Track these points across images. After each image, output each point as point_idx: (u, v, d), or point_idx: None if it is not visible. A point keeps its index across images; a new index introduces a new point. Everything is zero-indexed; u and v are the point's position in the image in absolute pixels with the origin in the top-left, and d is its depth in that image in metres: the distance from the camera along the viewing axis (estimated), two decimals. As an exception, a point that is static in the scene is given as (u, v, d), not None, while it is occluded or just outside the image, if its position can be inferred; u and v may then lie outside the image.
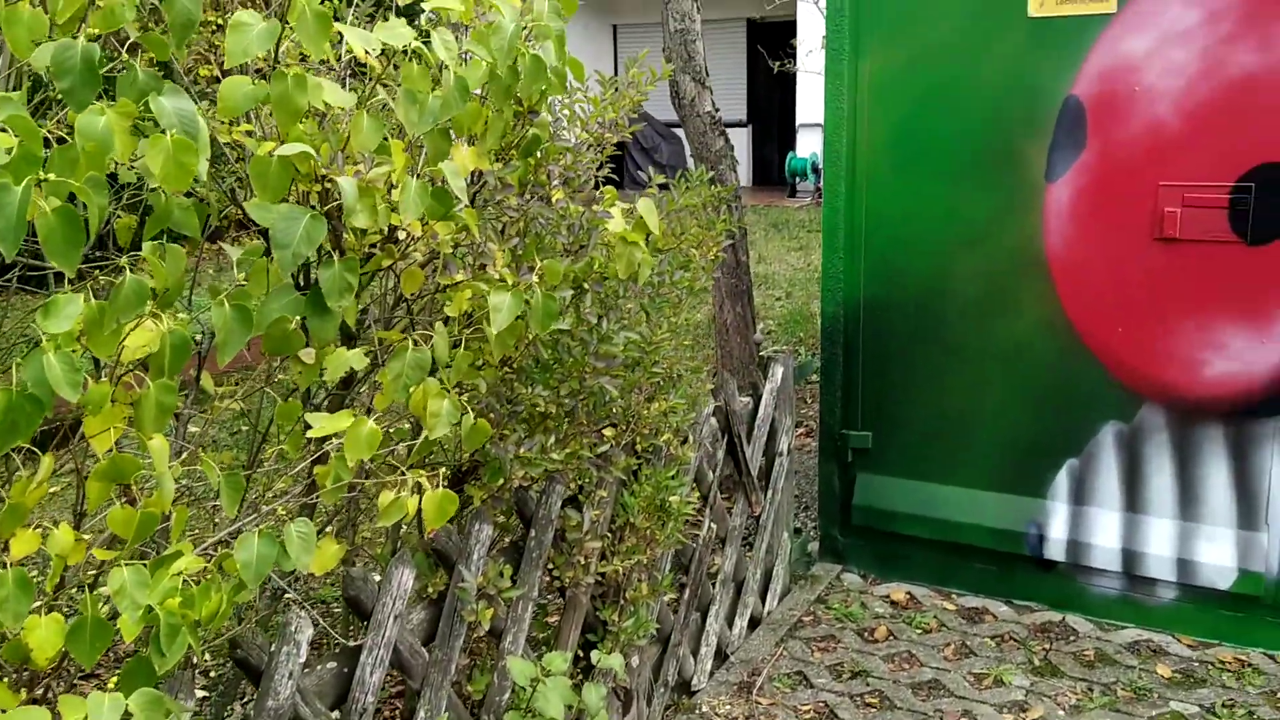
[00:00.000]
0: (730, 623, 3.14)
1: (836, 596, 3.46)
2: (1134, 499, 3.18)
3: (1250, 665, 2.98)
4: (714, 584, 3.04)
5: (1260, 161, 2.87)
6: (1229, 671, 2.96)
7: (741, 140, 15.97)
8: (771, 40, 12.73)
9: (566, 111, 2.41)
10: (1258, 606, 3.05)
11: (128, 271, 1.36)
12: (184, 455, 1.71)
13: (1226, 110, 2.89)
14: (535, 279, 1.86)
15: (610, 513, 2.37)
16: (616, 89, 2.50)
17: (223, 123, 1.76)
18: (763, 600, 3.36)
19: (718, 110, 4.12)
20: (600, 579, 2.38)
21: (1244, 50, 2.85)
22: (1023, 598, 3.39)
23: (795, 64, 8.48)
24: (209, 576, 1.46)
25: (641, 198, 2.25)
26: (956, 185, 3.27)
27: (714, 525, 2.97)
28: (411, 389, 1.69)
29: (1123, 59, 3.00)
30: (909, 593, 3.47)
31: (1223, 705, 2.80)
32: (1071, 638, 3.17)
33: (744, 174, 16.03)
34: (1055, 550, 3.28)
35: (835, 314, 3.53)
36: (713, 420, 2.94)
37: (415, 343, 1.68)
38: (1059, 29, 3.07)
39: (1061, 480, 3.27)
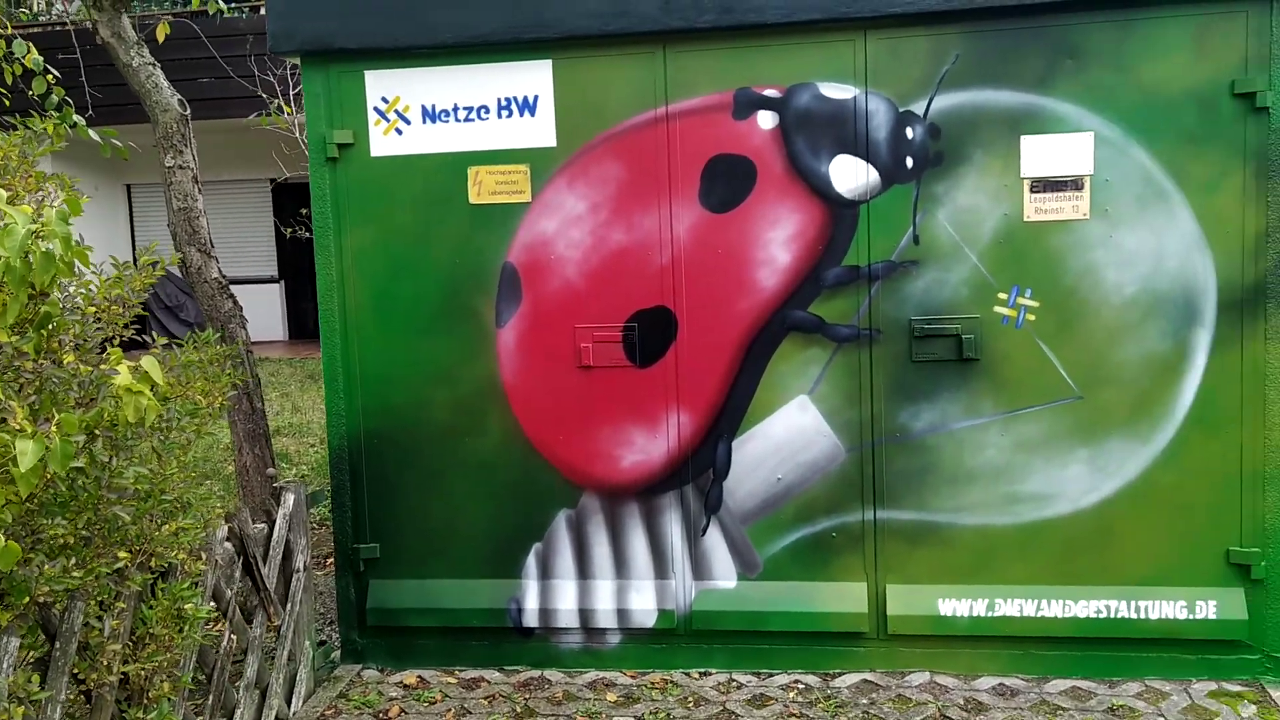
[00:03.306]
0: (258, 724, 3.56)
1: (356, 691, 3.99)
2: (584, 568, 4.09)
3: (672, 682, 3.95)
4: (239, 690, 3.45)
5: (636, 309, 3.97)
6: (657, 689, 3.90)
7: (275, 295, 16.21)
8: (296, 200, 13.31)
9: (80, 291, 2.88)
10: (674, 636, 4.05)
11: None
12: None
13: (611, 273, 3.98)
14: (53, 428, 2.30)
15: (131, 623, 2.77)
16: (128, 271, 3.01)
17: None
18: (288, 704, 3.80)
19: (225, 276, 4.65)
20: (125, 681, 2.75)
21: (618, 231, 3.97)
22: (511, 663, 4.15)
23: (308, 229, 9.11)
24: None
25: (146, 356, 2.76)
26: (427, 334, 4.08)
27: (234, 637, 3.41)
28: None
29: (540, 235, 4.01)
30: (419, 676, 4.09)
31: (650, 714, 3.70)
32: (547, 686, 3.96)
33: (280, 328, 16.22)
34: (531, 619, 4.09)
35: (341, 446, 4.17)
36: (228, 544, 3.41)
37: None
38: (494, 213, 4.03)
39: (531, 561, 4.10)
